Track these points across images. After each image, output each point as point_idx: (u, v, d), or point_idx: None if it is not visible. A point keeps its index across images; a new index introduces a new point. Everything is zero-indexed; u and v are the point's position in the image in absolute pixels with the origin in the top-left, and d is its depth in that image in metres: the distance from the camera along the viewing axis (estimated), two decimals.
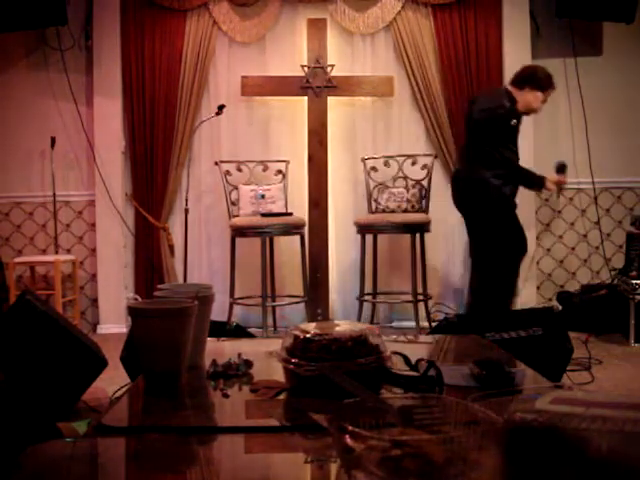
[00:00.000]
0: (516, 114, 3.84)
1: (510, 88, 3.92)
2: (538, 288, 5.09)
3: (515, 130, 3.84)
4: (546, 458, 0.77)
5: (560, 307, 4.73)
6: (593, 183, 5.08)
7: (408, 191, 4.73)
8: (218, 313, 4.35)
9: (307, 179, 4.89)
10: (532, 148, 4.87)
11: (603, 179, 5.10)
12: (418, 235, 4.60)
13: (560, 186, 3.99)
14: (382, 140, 5.06)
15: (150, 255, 5.00)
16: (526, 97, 3.86)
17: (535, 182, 3.95)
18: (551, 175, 3.92)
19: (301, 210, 4.85)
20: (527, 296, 4.87)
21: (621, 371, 3.53)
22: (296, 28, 5.01)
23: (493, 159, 3.81)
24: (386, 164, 4.91)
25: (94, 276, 5.05)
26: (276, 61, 5.02)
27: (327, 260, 4.86)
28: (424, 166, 4.84)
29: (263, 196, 4.70)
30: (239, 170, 4.90)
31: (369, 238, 4.79)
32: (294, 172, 4.96)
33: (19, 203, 5.09)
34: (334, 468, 1.10)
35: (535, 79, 3.87)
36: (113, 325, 4.93)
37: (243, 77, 4.89)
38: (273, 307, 4.83)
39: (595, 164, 5.03)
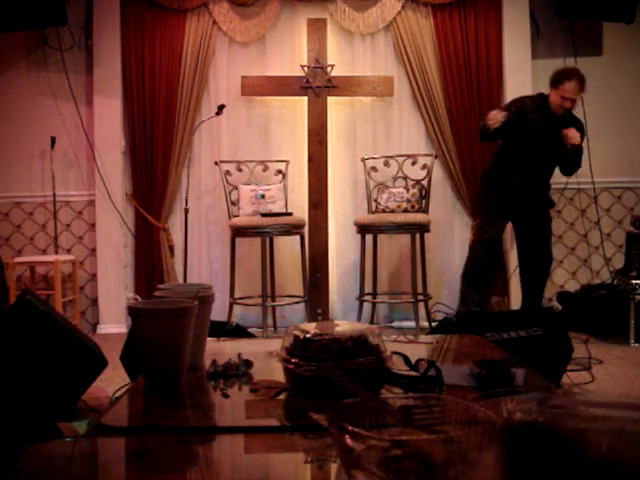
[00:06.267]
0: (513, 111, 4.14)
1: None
2: None
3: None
4: (546, 458, 0.77)
5: (560, 307, 4.73)
6: (593, 183, 5.07)
7: (408, 191, 4.73)
8: (218, 313, 4.36)
9: (307, 179, 4.89)
10: None
11: (603, 179, 5.10)
12: (418, 235, 4.60)
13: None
14: (382, 140, 5.06)
15: (150, 255, 4.99)
16: (550, 97, 4.17)
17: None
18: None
19: (301, 210, 4.85)
20: None
21: (621, 371, 3.53)
22: (296, 28, 5.01)
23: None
24: (386, 164, 4.91)
25: (94, 276, 5.05)
26: (276, 61, 5.02)
27: (327, 260, 4.86)
28: (424, 166, 4.84)
29: (263, 196, 4.70)
30: (239, 170, 4.90)
31: (369, 238, 4.79)
32: (294, 172, 4.97)
33: (19, 203, 5.09)
34: (334, 468, 1.10)
35: (551, 78, 4.16)
36: (113, 325, 4.93)
37: (243, 77, 4.89)
38: (273, 307, 4.83)
39: (595, 164, 5.02)
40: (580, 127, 4.22)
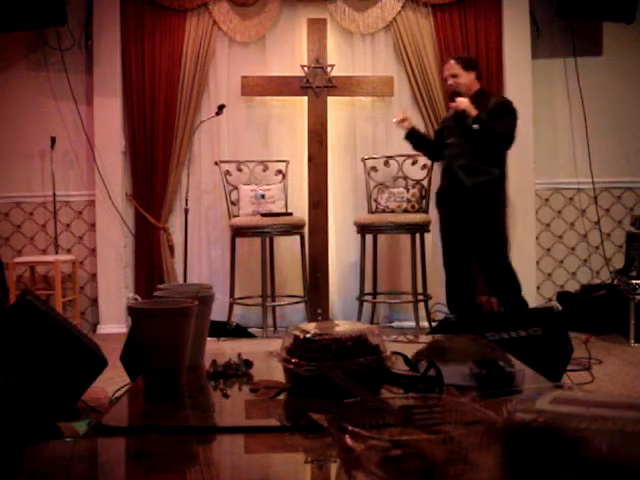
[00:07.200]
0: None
1: None
2: (538, 288, 5.08)
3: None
4: (546, 458, 0.77)
5: (560, 307, 4.73)
6: (593, 183, 5.08)
7: (408, 191, 4.73)
8: (218, 313, 4.36)
9: (307, 179, 4.89)
10: (532, 148, 4.88)
11: (603, 179, 5.10)
12: (418, 235, 4.60)
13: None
14: (382, 140, 5.06)
15: (150, 255, 4.99)
16: None
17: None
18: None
19: (301, 210, 4.85)
20: (527, 296, 4.86)
21: (621, 371, 3.53)
22: (296, 28, 5.01)
23: None
24: (386, 164, 4.91)
25: (94, 276, 5.05)
26: (276, 61, 5.02)
27: (327, 260, 4.86)
28: (424, 166, 4.84)
29: (263, 196, 4.70)
30: (239, 170, 4.90)
31: (369, 238, 4.79)
32: (294, 172, 4.97)
33: (19, 203, 5.09)
34: (334, 468, 1.10)
35: None
36: (113, 325, 4.93)
37: (243, 77, 4.89)
38: (273, 307, 4.83)
39: (595, 164, 5.03)
40: (496, 106, 3.94)
